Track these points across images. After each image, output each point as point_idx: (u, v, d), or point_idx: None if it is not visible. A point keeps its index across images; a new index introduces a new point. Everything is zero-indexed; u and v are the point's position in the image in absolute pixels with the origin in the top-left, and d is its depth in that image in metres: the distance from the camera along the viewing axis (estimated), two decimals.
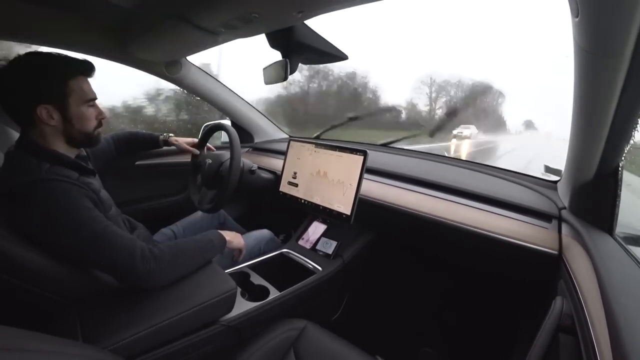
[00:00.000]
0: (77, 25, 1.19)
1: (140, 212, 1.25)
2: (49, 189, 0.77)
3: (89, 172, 0.93)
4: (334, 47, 1.13)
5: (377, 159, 1.49)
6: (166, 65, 1.49)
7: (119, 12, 1.08)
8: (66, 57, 0.86)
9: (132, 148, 1.45)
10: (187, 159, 1.51)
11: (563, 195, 1.06)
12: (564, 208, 1.01)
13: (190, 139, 1.51)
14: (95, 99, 0.91)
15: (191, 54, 1.42)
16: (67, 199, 0.78)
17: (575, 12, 0.52)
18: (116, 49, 1.30)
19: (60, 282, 0.81)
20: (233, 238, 1.09)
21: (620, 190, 0.78)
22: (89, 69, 0.89)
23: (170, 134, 1.47)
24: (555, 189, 1.16)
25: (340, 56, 1.16)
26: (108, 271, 0.83)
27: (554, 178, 1.20)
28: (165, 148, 1.55)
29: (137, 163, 1.66)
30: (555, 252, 0.90)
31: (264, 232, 1.43)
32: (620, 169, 0.76)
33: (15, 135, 0.89)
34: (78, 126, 0.88)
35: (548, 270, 0.92)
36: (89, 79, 0.90)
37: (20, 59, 0.81)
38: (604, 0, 0.47)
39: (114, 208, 1.02)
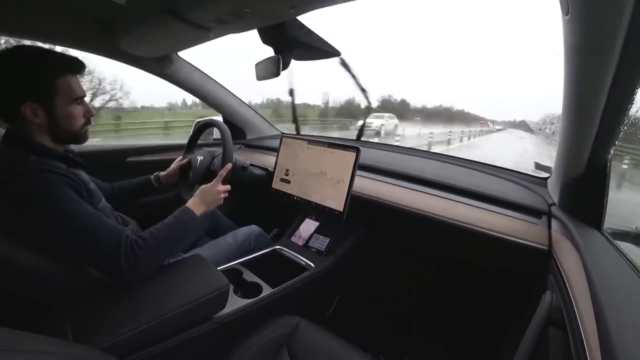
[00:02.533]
0: (67, 20, 1.16)
1: (131, 209, 1.24)
2: (37, 180, 0.76)
3: (77, 165, 0.92)
4: (326, 43, 1.13)
5: (370, 155, 1.49)
6: (157, 61, 1.47)
7: (109, 6, 1.06)
8: (55, 54, 0.84)
9: (128, 193, 1.32)
10: (178, 155, 1.49)
11: (553, 192, 1.07)
12: (554, 204, 1.03)
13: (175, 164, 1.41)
14: (84, 96, 0.89)
15: (182, 49, 1.40)
16: (55, 190, 0.77)
17: (566, 10, 0.52)
18: (106, 43, 1.28)
19: (49, 279, 0.80)
20: (207, 206, 1.05)
21: (609, 187, 0.79)
22: (78, 67, 0.87)
23: (161, 173, 1.37)
24: (546, 185, 1.17)
25: (333, 52, 1.16)
26: (92, 263, 0.82)
27: (544, 175, 1.22)
28: (158, 144, 1.52)
29: (128, 160, 1.65)
30: (545, 248, 0.92)
31: (253, 228, 1.42)
32: (608, 165, 0.77)
33: (1, 131, 0.87)
34: (64, 125, 0.86)
35: (538, 265, 0.93)
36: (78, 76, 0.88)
37: (6, 53, 0.79)
38: None
39: (104, 201, 1.00)
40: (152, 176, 1.36)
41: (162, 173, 1.37)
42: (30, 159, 0.78)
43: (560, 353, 0.60)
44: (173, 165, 1.38)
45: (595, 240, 0.78)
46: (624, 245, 0.78)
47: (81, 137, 0.91)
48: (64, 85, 0.83)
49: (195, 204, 1.03)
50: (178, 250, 0.91)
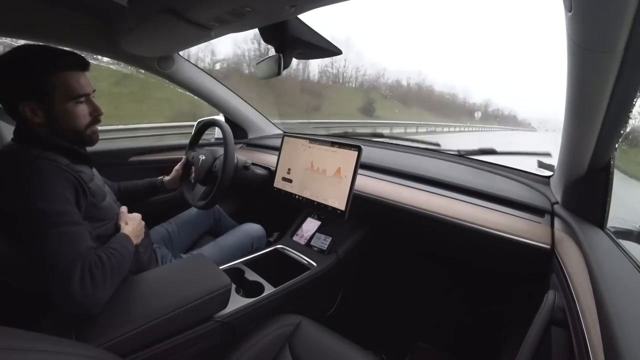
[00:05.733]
0: (67, 20, 1.16)
1: (134, 208, 1.25)
2: (31, 169, 0.74)
3: (82, 159, 0.88)
4: (328, 41, 1.12)
5: (372, 154, 1.49)
6: (158, 61, 1.47)
7: (110, 6, 1.06)
8: (50, 50, 0.81)
9: (135, 194, 1.32)
10: (181, 155, 1.50)
11: (556, 190, 1.07)
12: (557, 203, 1.02)
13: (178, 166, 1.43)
14: (88, 94, 0.85)
15: (183, 49, 1.40)
16: (46, 182, 0.74)
17: (569, 7, 0.51)
18: (107, 43, 1.28)
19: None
20: (130, 233, 0.94)
21: (612, 185, 0.78)
22: (77, 63, 0.83)
23: (165, 177, 1.39)
24: (548, 184, 1.17)
25: (334, 51, 1.16)
26: (44, 274, 0.71)
27: (547, 173, 1.21)
28: (160, 144, 1.52)
29: (130, 159, 1.65)
30: (548, 247, 0.91)
31: (256, 227, 1.43)
32: (612, 164, 0.76)
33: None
34: (65, 124, 0.83)
35: (541, 264, 0.93)
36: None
37: (3, 54, 0.78)
38: None
39: (109, 198, 0.97)
40: (157, 180, 1.37)
41: (167, 178, 1.38)
42: (33, 152, 0.77)
43: (563, 353, 0.60)
44: (174, 171, 1.41)
45: (599, 239, 0.78)
46: (627, 244, 0.78)
47: (87, 137, 0.89)
48: (61, 83, 0.80)
49: (129, 233, 0.95)
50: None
